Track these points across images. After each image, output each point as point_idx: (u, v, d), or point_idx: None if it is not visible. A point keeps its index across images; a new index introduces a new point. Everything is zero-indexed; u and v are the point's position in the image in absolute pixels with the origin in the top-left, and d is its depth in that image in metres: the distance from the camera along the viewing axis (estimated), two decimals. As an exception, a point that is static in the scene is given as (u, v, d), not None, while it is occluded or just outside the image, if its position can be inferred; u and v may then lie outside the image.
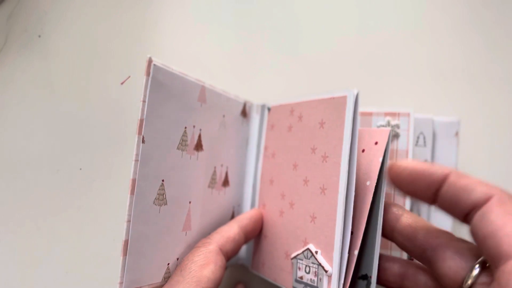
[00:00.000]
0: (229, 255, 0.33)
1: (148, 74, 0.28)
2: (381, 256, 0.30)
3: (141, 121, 0.27)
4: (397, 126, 0.36)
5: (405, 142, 0.36)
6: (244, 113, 0.37)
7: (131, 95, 0.37)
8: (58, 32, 0.44)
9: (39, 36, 0.44)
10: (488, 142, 0.42)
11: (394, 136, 0.36)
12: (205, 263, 0.30)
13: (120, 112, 0.42)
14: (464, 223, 0.24)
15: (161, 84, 0.28)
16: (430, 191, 0.25)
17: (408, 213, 0.30)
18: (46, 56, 0.43)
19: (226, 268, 0.31)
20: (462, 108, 0.42)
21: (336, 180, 0.30)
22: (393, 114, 0.37)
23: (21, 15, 0.44)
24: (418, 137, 0.37)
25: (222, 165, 0.35)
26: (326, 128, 0.31)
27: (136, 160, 0.26)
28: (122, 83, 0.42)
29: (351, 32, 0.44)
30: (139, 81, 0.40)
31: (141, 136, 0.27)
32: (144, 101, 0.27)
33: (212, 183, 0.33)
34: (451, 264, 0.25)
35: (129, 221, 0.26)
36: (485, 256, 0.23)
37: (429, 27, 0.44)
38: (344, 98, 0.30)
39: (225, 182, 0.35)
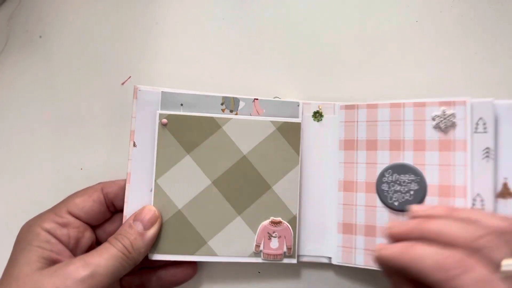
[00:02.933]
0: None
1: (135, 97, 0.38)
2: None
3: (132, 131, 0.38)
4: (453, 115, 0.35)
5: (462, 131, 0.35)
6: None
7: (132, 95, 0.38)
8: (59, 32, 0.44)
9: (40, 37, 0.44)
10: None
11: (451, 126, 0.35)
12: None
13: (121, 112, 0.42)
14: None
15: (148, 103, 0.38)
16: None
17: None
18: (47, 57, 0.43)
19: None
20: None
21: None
22: (448, 103, 0.35)
23: (22, 15, 0.44)
24: (477, 123, 0.35)
25: None
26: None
27: (130, 159, 0.38)
28: (123, 84, 0.43)
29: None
30: (140, 81, 0.42)
31: (133, 142, 0.38)
32: (134, 117, 0.38)
33: None
34: None
35: (127, 202, 0.37)
36: None
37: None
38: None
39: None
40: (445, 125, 0.35)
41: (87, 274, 0.31)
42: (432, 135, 0.36)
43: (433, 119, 0.35)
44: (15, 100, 0.44)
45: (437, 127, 0.35)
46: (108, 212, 0.38)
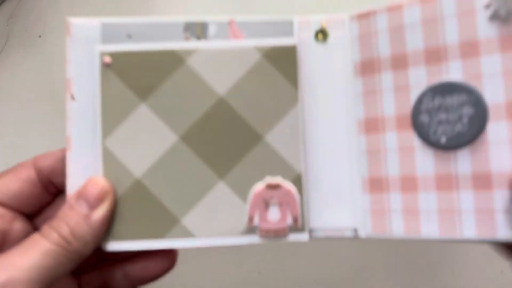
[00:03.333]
0: None
1: (68, 34, 0.29)
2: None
3: (69, 81, 0.29)
4: (518, -5, 0.23)
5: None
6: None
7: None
8: (58, 32, 0.44)
9: (40, 36, 0.44)
10: None
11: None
12: None
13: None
14: None
15: (86, 40, 0.29)
16: None
17: None
18: (47, 56, 0.44)
19: None
20: None
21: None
22: (507, -20, 0.24)
23: (22, 15, 0.45)
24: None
25: None
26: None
27: (68, 118, 0.28)
28: None
29: None
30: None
31: (70, 94, 0.29)
32: (69, 61, 0.29)
33: None
34: None
35: (69, 175, 0.28)
36: None
37: None
38: None
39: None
40: (507, 12, 0.23)
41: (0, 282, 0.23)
42: (487, 31, 0.24)
43: (487, 6, 0.24)
44: (14, 100, 0.44)
45: (494, 17, 0.24)
46: (46, 194, 0.29)
